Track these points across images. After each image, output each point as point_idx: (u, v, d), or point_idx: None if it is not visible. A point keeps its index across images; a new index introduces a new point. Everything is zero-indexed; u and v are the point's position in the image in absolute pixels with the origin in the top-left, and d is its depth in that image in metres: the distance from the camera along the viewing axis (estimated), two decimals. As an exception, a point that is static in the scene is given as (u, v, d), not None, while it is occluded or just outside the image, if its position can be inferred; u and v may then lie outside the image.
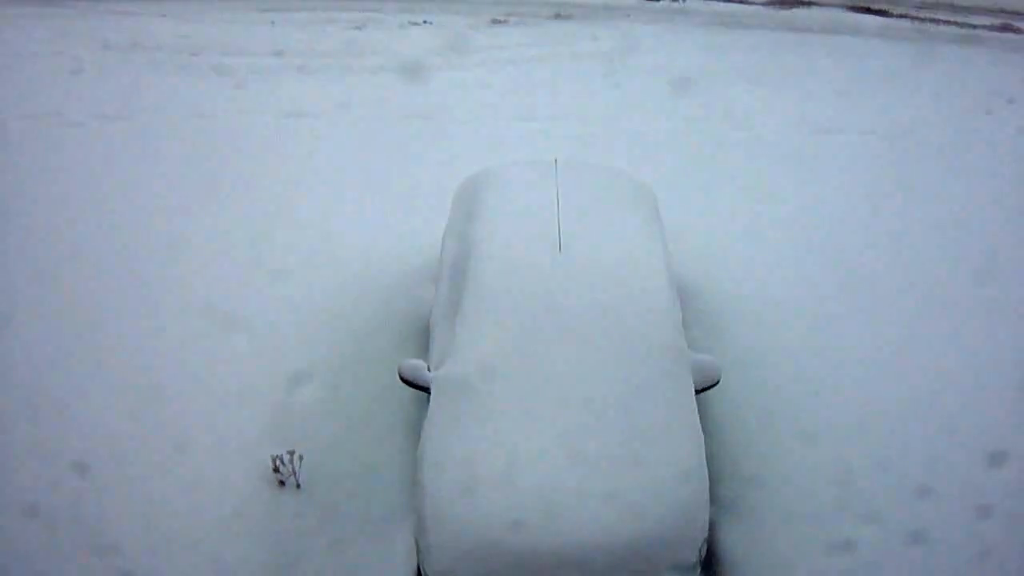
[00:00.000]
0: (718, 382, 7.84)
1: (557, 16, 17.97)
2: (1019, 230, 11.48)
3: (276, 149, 13.03)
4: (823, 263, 10.86)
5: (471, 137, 13.15)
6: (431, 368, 7.82)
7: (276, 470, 8.12)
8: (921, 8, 19.08)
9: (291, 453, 8.11)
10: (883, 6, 19.06)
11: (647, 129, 13.74)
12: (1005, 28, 18.46)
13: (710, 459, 7.43)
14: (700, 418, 7.50)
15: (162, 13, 17.69)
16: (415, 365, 7.86)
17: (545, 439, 7.10)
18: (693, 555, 6.94)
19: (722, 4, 18.89)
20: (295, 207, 11.62)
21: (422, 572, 7.09)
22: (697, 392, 7.65)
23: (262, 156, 12.79)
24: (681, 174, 12.28)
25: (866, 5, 19.09)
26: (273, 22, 17.24)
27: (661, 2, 18.94)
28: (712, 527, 7.27)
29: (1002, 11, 18.99)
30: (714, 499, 7.29)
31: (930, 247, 11.19)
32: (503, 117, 13.97)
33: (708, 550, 7.23)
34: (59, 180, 12.19)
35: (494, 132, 13.34)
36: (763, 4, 19.02)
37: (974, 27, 18.46)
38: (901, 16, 18.83)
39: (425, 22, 17.51)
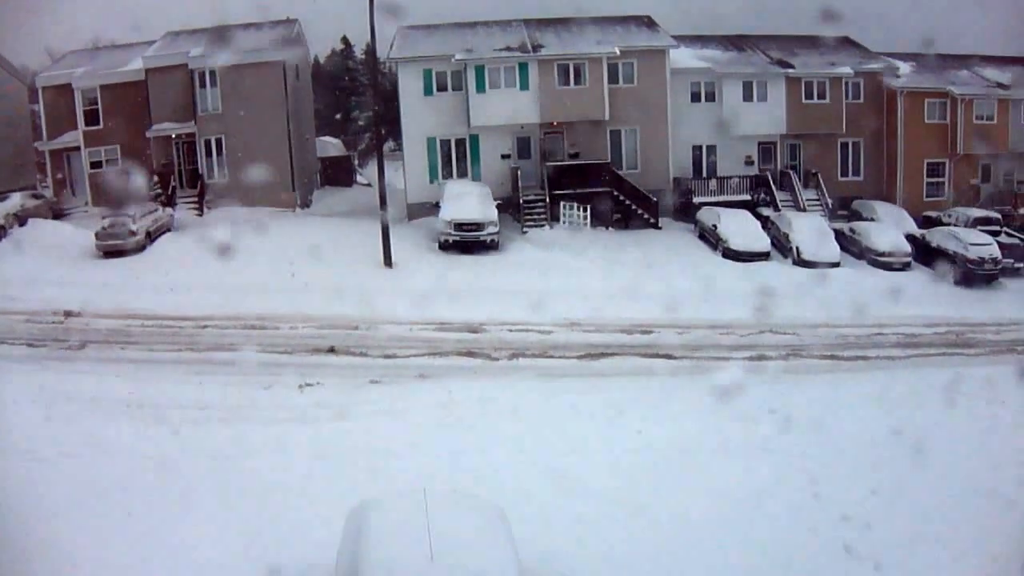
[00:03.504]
0: None
1: (420, 376, 18.36)
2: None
3: (204, 483, 13.09)
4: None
5: (354, 468, 13.29)
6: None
7: None
8: (695, 350, 20.18)
9: None
10: (669, 352, 20.07)
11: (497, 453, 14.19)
12: (761, 358, 20.01)
13: None
14: None
15: (116, 374, 17.95)
16: None
17: None
18: None
19: (545, 360, 19.66)
20: (226, 526, 11.72)
21: None
22: None
23: (193, 486, 12.95)
24: (525, 487, 12.66)
25: (655, 352, 20.07)
26: (200, 383, 17.38)
27: (500, 362, 19.57)
28: None
29: (755, 345, 20.46)
30: None
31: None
32: (378, 450, 14.10)
33: None
34: (34, 498, 12.23)
35: (374, 463, 13.40)
36: (577, 358, 19.80)
37: (733, 359, 19.92)
38: (683, 357, 19.82)
39: (318, 383, 17.74)
